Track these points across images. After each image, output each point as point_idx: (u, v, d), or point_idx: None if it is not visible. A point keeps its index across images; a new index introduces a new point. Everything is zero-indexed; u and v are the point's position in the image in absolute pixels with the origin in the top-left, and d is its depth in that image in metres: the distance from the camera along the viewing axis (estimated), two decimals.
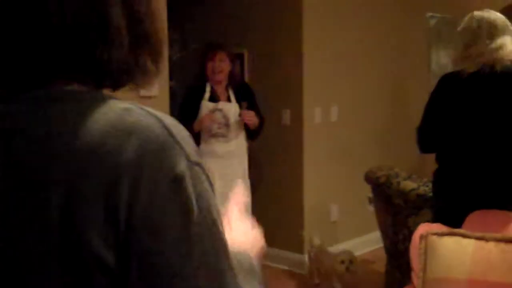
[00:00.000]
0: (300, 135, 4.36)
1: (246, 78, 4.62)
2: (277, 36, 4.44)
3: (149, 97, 3.40)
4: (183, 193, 0.65)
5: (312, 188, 4.42)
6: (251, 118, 3.73)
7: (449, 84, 2.66)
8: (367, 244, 4.72)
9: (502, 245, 2.14)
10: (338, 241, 4.64)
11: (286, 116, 4.42)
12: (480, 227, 2.41)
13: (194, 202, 0.66)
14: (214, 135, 3.71)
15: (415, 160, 4.78)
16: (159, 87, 3.43)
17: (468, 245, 2.19)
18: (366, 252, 4.70)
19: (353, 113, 4.73)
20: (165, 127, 0.67)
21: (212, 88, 3.79)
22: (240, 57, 4.62)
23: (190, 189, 0.66)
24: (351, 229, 4.73)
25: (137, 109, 0.69)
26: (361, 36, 4.77)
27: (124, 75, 0.74)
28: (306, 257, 4.38)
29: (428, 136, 2.72)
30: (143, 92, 3.35)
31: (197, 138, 3.67)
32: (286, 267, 4.45)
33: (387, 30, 5.01)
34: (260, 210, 4.53)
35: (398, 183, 3.57)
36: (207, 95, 3.75)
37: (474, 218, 2.50)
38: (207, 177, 0.70)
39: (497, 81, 2.54)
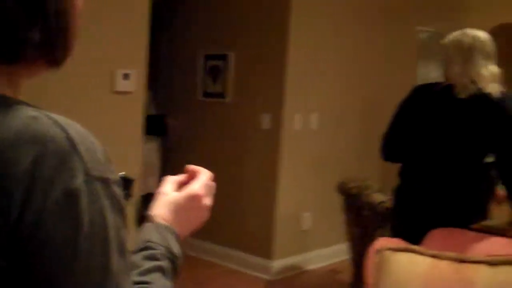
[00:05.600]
0: (278, 140, 4.36)
1: (230, 79, 4.62)
2: (263, 41, 4.44)
3: (125, 93, 3.39)
4: (75, 208, 0.65)
5: (286, 194, 4.42)
6: None
7: (420, 96, 2.67)
8: (337, 254, 4.72)
9: (456, 265, 2.14)
10: (308, 249, 4.64)
11: (266, 120, 4.42)
12: (440, 245, 2.41)
13: (86, 218, 0.65)
14: None
15: (392, 173, 4.78)
16: (136, 82, 3.42)
17: (422, 262, 2.19)
18: (335, 262, 4.71)
19: (334, 122, 4.74)
20: (69, 139, 0.67)
21: None
22: (225, 58, 4.63)
23: (85, 205, 0.65)
24: (323, 238, 4.73)
25: (44, 118, 0.68)
26: (347, 47, 4.78)
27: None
28: (273, 263, 4.38)
29: (392, 144, 2.73)
30: (119, 88, 3.35)
31: None
32: (253, 272, 4.43)
33: (375, 42, 5.03)
34: (232, 213, 4.54)
35: (368, 195, 3.58)
36: None
37: (434, 235, 2.51)
38: (112, 192, 0.69)
39: (464, 105, 2.55)
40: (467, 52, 2.57)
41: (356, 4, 4.81)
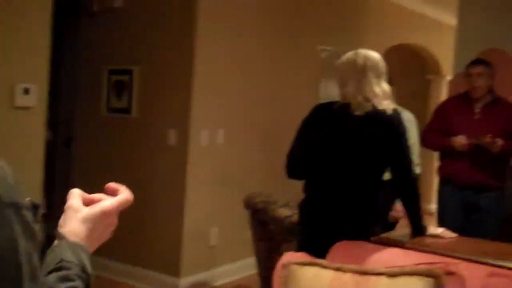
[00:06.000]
0: (185, 156, 4.35)
1: (135, 95, 4.56)
2: (169, 56, 4.43)
3: (26, 108, 3.28)
4: None
5: (193, 210, 4.41)
6: None
7: (319, 115, 2.77)
8: (245, 269, 4.75)
9: (357, 277, 2.22)
10: (216, 265, 4.65)
11: (172, 136, 4.39)
12: (342, 258, 2.50)
13: None
14: None
15: (297, 188, 4.89)
16: (36, 97, 3.31)
17: (326, 275, 2.26)
18: (242, 277, 4.74)
19: (240, 138, 4.79)
20: None
21: None
22: (130, 73, 4.57)
23: None
24: (230, 254, 4.75)
25: None
26: (253, 64, 4.86)
27: None
28: (180, 280, 4.34)
29: (295, 162, 2.80)
30: (18, 103, 3.23)
31: None
32: None
33: (279, 61, 5.14)
34: (138, 230, 4.47)
35: (274, 210, 3.64)
36: None
37: (337, 249, 2.59)
38: (23, 217, 0.68)
39: (360, 122, 2.66)
40: (360, 72, 2.69)
41: (261, 22, 4.91)
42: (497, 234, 3.74)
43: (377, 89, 2.67)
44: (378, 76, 2.70)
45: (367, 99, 2.66)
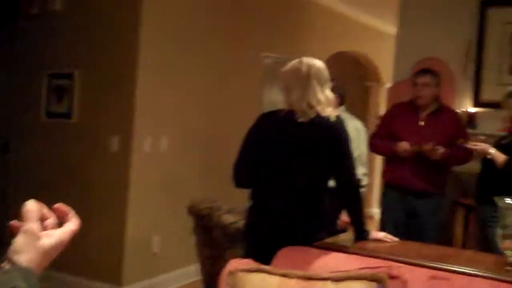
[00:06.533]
0: (127, 163, 4.28)
1: (76, 99, 4.45)
2: (111, 60, 4.35)
3: None
4: None
5: (136, 217, 4.34)
6: None
7: (265, 123, 2.78)
8: (188, 276, 4.71)
9: (303, 282, 2.24)
10: (159, 272, 4.59)
11: (115, 143, 4.32)
12: (288, 264, 2.51)
13: None
14: None
15: (242, 194, 4.89)
16: None
17: (273, 282, 2.26)
18: (186, 284, 4.70)
19: (183, 144, 4.75)
20: None
21: None
22: (71, 77, 4.46)
23: None
24: (173, 261, 4.70)
25: None
26: (196, 71, 4.84)
27: None
28: None
29: (242, 171, 2.80)
30: None
31: None
32: None
33: (222, 67, 5.14)
34: (78, 238, 4.36)
35: (219, 216, 3.63)
36: None
37: (283, 254, 2.60)
38: None
39: (305, 128, 2.69)
40: (305, 79, 2.72)
41: (204, 29, 4.89)
42: (436, 239, 3.85)
43: (321, 96, 2.70)
44: (322, 84, 2.73)
45: (311, 106, 2.69)
